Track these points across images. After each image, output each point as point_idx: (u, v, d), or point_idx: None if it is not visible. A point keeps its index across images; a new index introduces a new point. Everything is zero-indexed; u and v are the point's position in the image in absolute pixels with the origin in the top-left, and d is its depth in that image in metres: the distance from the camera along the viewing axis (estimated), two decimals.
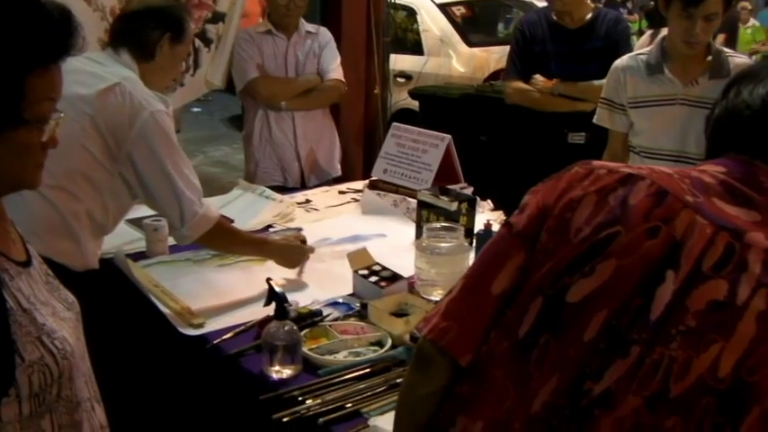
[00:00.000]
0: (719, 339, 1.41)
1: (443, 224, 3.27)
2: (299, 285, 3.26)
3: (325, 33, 5.13)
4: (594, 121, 3.99)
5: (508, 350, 1.61)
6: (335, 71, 5.03)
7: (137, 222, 3.83)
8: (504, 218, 3.80)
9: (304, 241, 3.54)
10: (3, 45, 1.57)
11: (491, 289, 1.64)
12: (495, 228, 3.33)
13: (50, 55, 1.66)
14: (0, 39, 1.57)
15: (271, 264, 3.45)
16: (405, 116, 7.27)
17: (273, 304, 2.66)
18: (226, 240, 3.34)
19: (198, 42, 5.18)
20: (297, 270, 3.42)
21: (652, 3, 6.99)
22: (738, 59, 3.69)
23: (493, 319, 1.64)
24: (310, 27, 5.09)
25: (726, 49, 3.91)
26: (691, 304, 1.45)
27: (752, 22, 15.48)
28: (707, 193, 1.53)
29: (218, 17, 5.22)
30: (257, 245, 3.44)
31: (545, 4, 5.16)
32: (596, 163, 1.64)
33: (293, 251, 3.43)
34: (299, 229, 3.85)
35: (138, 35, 3.25)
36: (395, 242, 3.72)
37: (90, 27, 4.49)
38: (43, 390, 1.62)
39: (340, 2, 5.88)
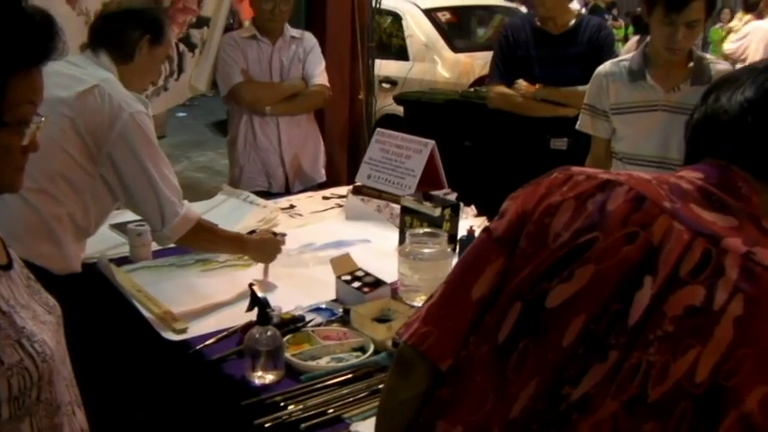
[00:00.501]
0: (697, 344, 1.42)
1: (426, 230, 3.28)
2: (281, 290, 3.27)
3: (310, 38, 5.14)
4: (577, 127, 4.00)
5: (487, 355, 1.62)
6: (320, 76, 5.04)
7: (120, 227, 3.83)
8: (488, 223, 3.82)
9: (275, 234, 3.57)
10: None
11: (471, 294, 1.65)
12: (479, 233, 3.32)
13: (32, 58, 1.66)
14: None
15: (254, 269, 3.46)
16: (390, 122, 7.27)
17: (256, 309, 2.66)
18: (206, 240, 3.35)
19: (182, 47, 5.18)
20: (263, 271, 3.46)
21: (638, 9, 7.02)
22: (720, 66, 3.70)
23: (472, 325, 1.65)
24: (295, 32, 5.10)
25: (707, 56, 3.94)
26: (668, 309, 1.46)
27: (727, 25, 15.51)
28: (684, 199, 1.54)
29: (202, 22, 5.22)
30: (236, 242, 3.45)
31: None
32: (575, 169, 1.66)
33: (268, 244, 3.46)
34: (284, 235, 3.86)
35: (117, 36, 3.27)
36: (378, 248, 3.73)
37: (74, 31, 4.47)
38: (23, 393, 1.62)
39: (325, 7, 5.87)
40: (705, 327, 1.43)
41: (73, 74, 3.13)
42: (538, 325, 1.56)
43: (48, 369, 1.68)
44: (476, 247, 1.71)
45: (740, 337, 1.41)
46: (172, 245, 3.52)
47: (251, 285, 2.76)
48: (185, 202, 3.25)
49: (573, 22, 4.84)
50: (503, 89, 4.89)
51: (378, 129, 4.50)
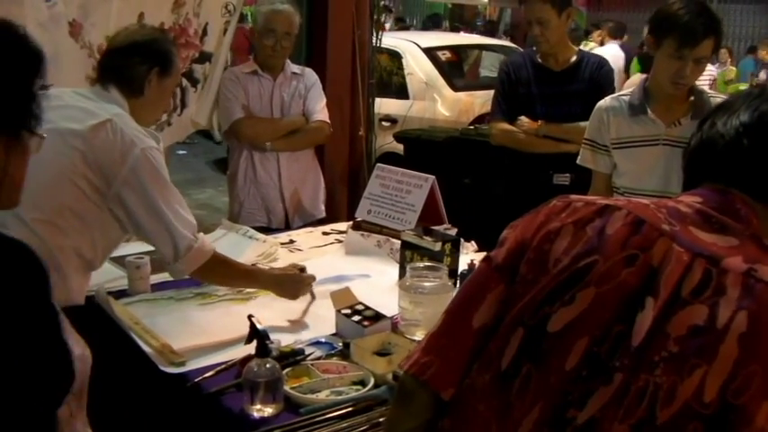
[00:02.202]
0: (703, 364, 1.42)
1: (427, 264, 3.26)
2: (280, 324, 3.24)
3: (311, 75, 5.15)
4: (578, 161, 3.99)
5: (490, 383, 1.61)
6: (321, 112, 5.04)
7: (119, 260, 3.81)
8: None
9: (303, 270, 3.53)
10: None
11: (472, 323, 1.65)
12: None
13: None
14: None
15: (253, 302, 3.44)
16: (389, 160, 7.25)
17: (255, 342, 2.64)
18: (222, 274, 3.35)
19: (185, 82, 5.19)
20: (307, 297, 3.46)
21: (645, 48, 7.05)
22: (719, 100, 3.70)
23: (474, 353, 1.65)
24: (296, 68, 5.11)
25: (708, 91, 3.95)
26: (672, 330, 1.45)
27: (729, 68, 15.66)
28: (683, 222, 1.55)
29: (204, 57, 5.24)
30: (254, 276, 3.43)
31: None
32: (574, 197, 1.68)
33: (291, 280, 3.42)
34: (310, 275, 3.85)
35: (126, 71, 3.26)
36: (378, 282, 3.70)
37: (76, 64, 4.51)
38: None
39: (326, 44, 5.90)
40: (710, 346, 1.42)
41: (85, 107, 3.14)
42: (540, 350, 1.55)
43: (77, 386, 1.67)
44: (476, 275, 1.72)
45: (746, 354, 1.40)
46: (169, 278, 3.53)
47: (250, 317, 2.73)
48: (201, 235, 3.27)
49: (574, 58, 4.85)
50: (505, 126, 4.89)
51: (378, 164, 4.50)
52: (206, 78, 5.27)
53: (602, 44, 14.29)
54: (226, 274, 3.36)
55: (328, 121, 5.09)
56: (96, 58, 4.53)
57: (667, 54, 3.52)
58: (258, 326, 2.65)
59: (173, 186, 3.24)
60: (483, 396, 1.62)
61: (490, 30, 19.71)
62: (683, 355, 1.44)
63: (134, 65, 3.26)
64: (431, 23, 18.96)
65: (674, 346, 1.45)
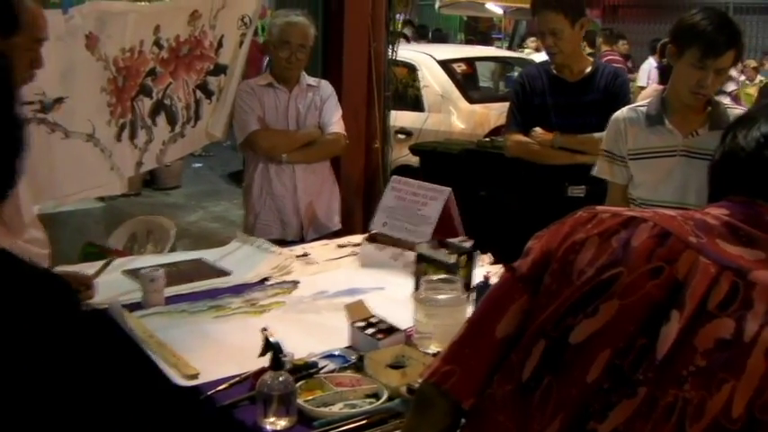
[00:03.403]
0: (730, 378, 1.41)
1: (441, 276, 3.24)
2: (294, 337, 3.21)
3: (327, 86, 5.15)
4: (594, 173, 3.97)
5: (510, 394, 1.60)
6: (337, 124, 5.04)
7: (133, 273, 3.81)
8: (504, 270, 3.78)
9: (84, 285, 3.49)
10: None
11: (495, 333, 1.65)
12: (494, 280, 3.29)
13: None
14: None
15: (267, 315, 3.44)
16: (405, 172, 7.19)
17: (268, 355, 2.62)
18: None
19: (199, 94, 5.20)
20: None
21: (664, 60, 7.02)
22: (737, 111, 3.69)
23: (496, 363, 1.64)
24: (312, 80, 5.11)
25: (725, 102, 3.92)
26: (699, 343, 1.44)
27: (759, 78, 15.57)
28: (710, 234, 1.54)
29: (219, 69, 5.25)
30: None
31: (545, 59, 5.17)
32: (600, 208, 1.68)
33: None
34: (296, 282, 3.83)
35: None
36: (393, 295, 3.68)
37: (93, 76, 4.53)
38: None
39: (341, 56, 5.90)
40: (737, 360, 1.41)
41: None
42: (562, 361, 1.54)
43: None
44: (500, 285, 1.71)
45: None
46: (184, 291, 3.53)
47: (264, 330, 2.72)
48: None
49: (589, 69, 4.82)
50: (520, 137, 4.87)
51: (393, 176, 4.48)
52: (221, 90, 5.28)
53: (537, 50, 14.76)
54: None
55: (344, 133, 5.09)
56: (112, 71, 4.57)
57: (689, 64, 3.50)
58: (271, 339, 2.63)
59: None
60: (503, 407, 1.61)
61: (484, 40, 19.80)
62: (711, 369, 1.43)
63: None
64: (436, 38, 18.96)
65: (702, 360, 1.44)
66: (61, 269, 3.58)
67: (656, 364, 1.46)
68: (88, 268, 3.73)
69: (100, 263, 3.80)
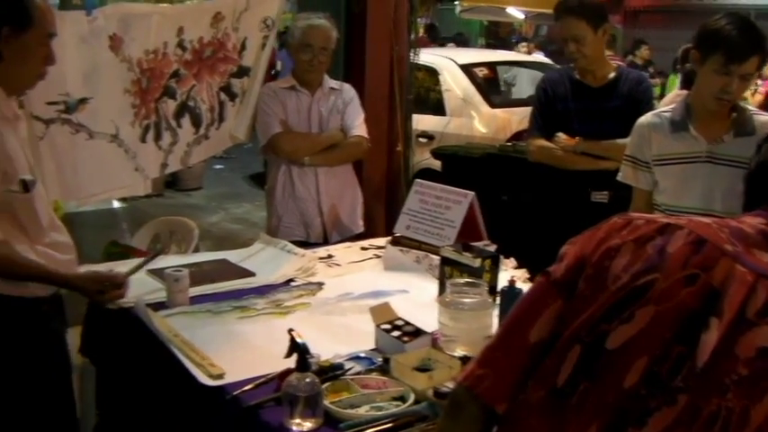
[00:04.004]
0: None
1: (467, 280, 3.24)
2: (319, 338, 3.21)
3: (349, 90, 5.15)
4: (618, 178, 3.96)
5: (545, 399, 1.60)
6: (359, 127, 5.04)
7: (158, 272, 3.82)
8: (528, 276, 3.79)
9: (116, 283, 3.46)
10: None
11: (528, 337, 1.64)
12: (519, 285, 3.30)
13: None
14: None
15: (293, 316, 3.44)
16: (426, 176, 7.19)
17: (295, 356, 2.63)
18: None
19: (223, 96, 5.21)
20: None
21: (688, 65, 6.98)
22: (763, 117, 3.68)
23: (530, 368, 1.64)
24: (334, 83, 5.12)
25: (750, 107, 3.91)
26: (740, 352, 1.44)
27: None
28: (746, 243, 1.54)
29: (243, 71, 5.26)
30: (41, 278, 3.28)
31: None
32: (634, 214, 1.68)
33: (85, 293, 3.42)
34: (321, 284, 3.84)
35: None
36: (417, 298, 3.68)
37: (117, 77, 4.55)
38: None
39: (363, 59, 5.90)
40: None
41: None
42: (598, 367, 1.54)
43: None
44: (534, 290, 1.71)
45: None
46: (209, 291, 3.53)
47: (290, 331, 2.72)
48: None
49: (612, 74, 4.81)
50: (542, 142, 4.86)
51: (417, 180, 4.47)
52: (244, 93, 5.29)
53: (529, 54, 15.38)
54: (3, 273, 3.18)
55: (367, 136, 5.09)
56: (135, 72, 4.58)
57: (713, 69, 3.49)
58: (298, 340, 2.64)
59: None
60: (537, 412, 1.61)
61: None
62: (754, 378, 1.42)
63: None
64: (456, 42, 18.96)
65: (744, 369, 1.44)
66: (93, 268, 3.60)
67: (697, 372, 1.46)
68: (119, 267, 3.73)
69: (134, 261, 3.81)
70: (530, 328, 1.66)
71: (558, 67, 7.15)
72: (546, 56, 14.36)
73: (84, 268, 3.56)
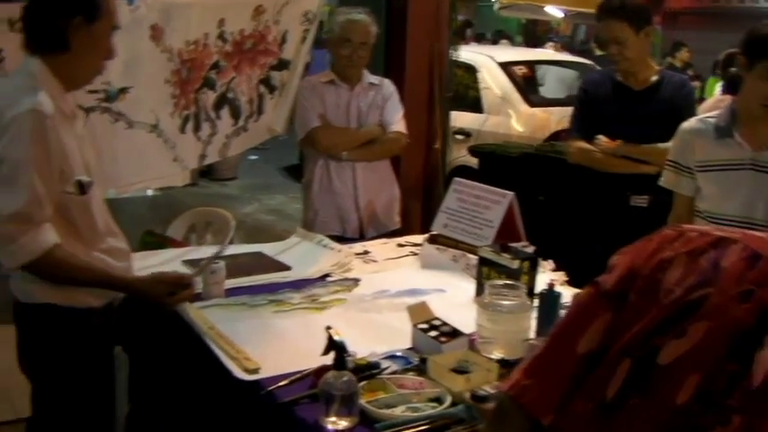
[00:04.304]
0: None
1: (506, 282, 3.21)
2: (355, 335, 3.18)
3: (389, 85, 5.14)
4: (660, 183, 3.92)
5: (592, 412, 1.57)
6: (398, 123, 5.03)
7: (193, 263, 3.81)
8: (566, 279, 3.75)
9: (183, 284, 3.35)
10: None
11: (576, 348, 1.61)
12: (559, 288, 3.27)
13: None
14: None
15: (329, 311, 3.43)
16: (462, 173, 7.17)
17: (332, 353, 2.61)
18: (57, 276, 3.06)
19: (262, 88, 5.21)
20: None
21: (733, 69, 6.91)
22: None
23: (577, 380, 1.61)
24: (374, 78, 5.10)
25: None
26: None
27: None
28: None
29: (283, 64, 5.25)
30: (106, 284, 3.20)
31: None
32: (686, 226, 1.64)
33: (150, 296, 3.28)
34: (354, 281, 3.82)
35: (43, 28, 3.02)
36: (454, 298, 3.65)
37: (157, 67, 4.54)
38: None
39: (404, 55, 5.90)
40: None
41: None
42: (648, 382, 1.51)
43: None
44: (583, 300, 1.67)
45: None
46: (244, 283, 3.61)
47: (328, 329, 2.70)
48: (41, 224, 2.96)
49: (655, 77, 4.76)
50: (582, 144, 4.82)
51: (455, 178, 4.43)
52: (283, 86, 5.28)
53: None
54: (63, 278, 3.08)
55: (405, 132, 5.07)
56: (175, 63, 4.57)
57: (760, 76, 3.42)
58: (336, 338, 2.62)
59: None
60: (584, 425, 1.58)
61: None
62: None
63: (51, 19, 2.99)
64: (496, 39, 18.88)
65: None
66: (160, 270, 3.53)
67: (752, 392, 1.43)
68: (152, 257, 3.73)
69: (169, 252, 3.80)
70: (578, 338, 1.63)
71: (599, 68, 7.11)
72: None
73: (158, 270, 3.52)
